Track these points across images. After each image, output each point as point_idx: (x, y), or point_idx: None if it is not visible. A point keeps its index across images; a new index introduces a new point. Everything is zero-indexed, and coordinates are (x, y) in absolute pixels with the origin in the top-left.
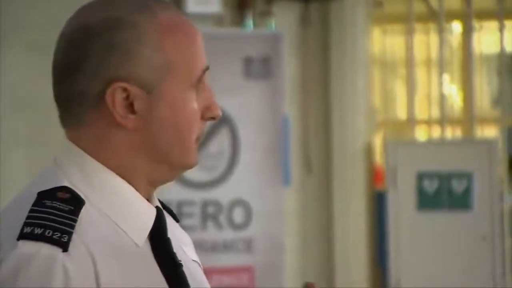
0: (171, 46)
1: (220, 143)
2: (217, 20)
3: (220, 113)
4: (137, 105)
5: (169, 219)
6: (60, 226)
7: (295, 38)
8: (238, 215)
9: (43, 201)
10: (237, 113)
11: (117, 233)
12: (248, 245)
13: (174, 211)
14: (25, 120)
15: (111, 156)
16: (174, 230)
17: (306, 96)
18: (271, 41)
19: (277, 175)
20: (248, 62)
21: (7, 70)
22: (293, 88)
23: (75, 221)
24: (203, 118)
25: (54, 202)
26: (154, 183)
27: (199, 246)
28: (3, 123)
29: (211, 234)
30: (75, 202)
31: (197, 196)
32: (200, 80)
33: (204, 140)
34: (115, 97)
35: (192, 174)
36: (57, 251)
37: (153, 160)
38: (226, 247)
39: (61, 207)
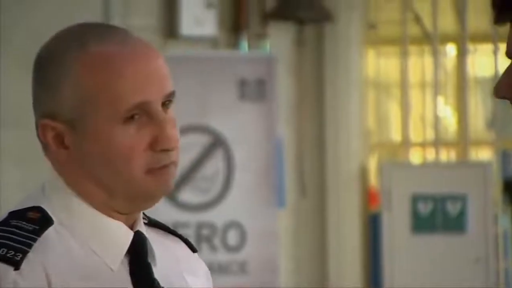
0: (94, 82)
1: (215, 165)
2: (212, 42)
3: (174, 145)
4: (66, 141)
5: (178, 247)
6: (17, 245)
7: (289, 60)
8: (232, 237)
9: (9, 221)
10: (232, 134)
11: (90, 256)
12: (243, 267)
13: None
14: (18, 138)
15: (71, 184)
16: (179, 259)
17: (300, 117)
18: (266, 63)
19: (271, 197)
20: (242, 84)
21: (2, 86)
22: (288, 109)
23: (34, 240)
24: (153, 149)
25: (19, 221)
26: (120, 212)
27: None
28: None
29: (206, 256)
30: (41, 222)
31: (192, 218)
32: (135, 113)
33: (198, 162)
34: (46, 133)
35: (186, 196)
36: (9, 269)
37: (104, 191)
38: (221, 269)
39: (24, 226)
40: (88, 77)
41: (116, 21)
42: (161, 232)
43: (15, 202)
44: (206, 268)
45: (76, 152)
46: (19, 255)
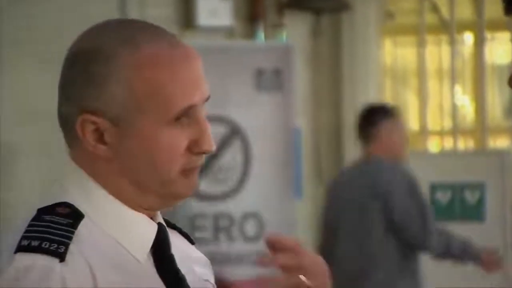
0: (145, 84)
1: (232, 155)
2: (229, 32)
3: (212, 148)
4: (106, 137)
5: (182, 241)
6: (57, 238)
7: (306, 49)
8: (250, 227)
9: (42, 216)
10: (249, 125)
11: (118, 249)
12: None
13: (187, 224)
14: (34, 132)
15: (100, 179)
16: (186, 251)
17: (317, 107)
18: (283, 53)
19: (289, 187)
20: (259, 74)
21: (17, 82)
22: (305, 99)
23: (72, 232)
24: (191, 152)
25: (52, 216)
26: (149, 209)
27: (211, 259)
28: (12, 135)
29: (223, 247)
30: (74, 216)
31: (209, 209)
32: (182, 116)
33: (216, 153)
34: (85, 128)
35: (204, 187)
36: (54, 261)
37: (137, 188)
38: (239, 259)
39: (59, 220)
40: (139, 78)
41: (132, 12)
42: None
43: (31, 198)
44: (205, 258)
45: (115, 148)
46: (62, 247)
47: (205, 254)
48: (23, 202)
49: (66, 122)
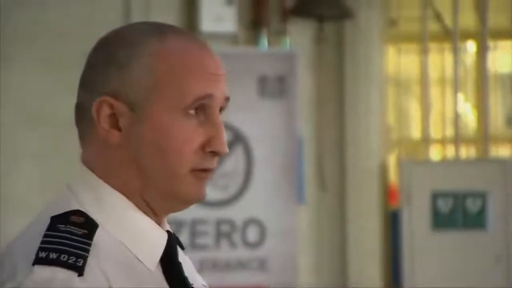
0: (167, 69)
1: (235, 161)
2: (232, 39)
3: (225, 150)
4: (121, 122)
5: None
6: (75, 251)
7: (309, 56)
8: (252, 234)
9: (57, 226)
10: (252, 131)
11: (129, 257)
12: (262, 264)
13: (188, 229)
14: (37, 135)
15: (110, 175)
16: (183, 256)
17: (320, 114)
18: (286, 60)
19: (291, 194)
20: (262, 81)
21: (20, 85)
22: (308, 106)
23: (89, 245)
24: (204, 150)
25: (68, 226)
26: (154, 210)
27: (212, 265)
28: (15, 138)
29: (225, 253)
30: (89, 226)
31: (211, 215)
32: (198, 107)
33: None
34: (101, 111)
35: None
36: (73, 275)
37: (144, 183)
38: (240, 266)
39: (75, 231)
40: (162, 63)
41: (136, 17)
42: None
43: (33, 199)
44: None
45: (128, 135)
46: (80, 260)
47: (206, 260)
48: (24, 204)
49: (82, 110)
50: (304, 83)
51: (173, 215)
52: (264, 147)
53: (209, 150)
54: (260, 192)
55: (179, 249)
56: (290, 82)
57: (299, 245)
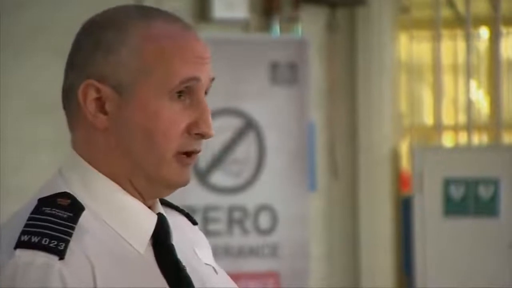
0: (152, 52)
1: (246, 148)
2: (244, 25)
3: (211, 132)
4: (108, 106)
5: (183, 222)
6: (57, 234)
7: (321, 43)
8: (264, 220)
9: (42, 208)
10: (263, 118)
11: (118, 241)
12: (274, 251)
13: (200, 216)
14: (49, 124)
15: (97, 159)
16: (187, 233)
17: (332, 101)
18: (298, 46)
19: (303, 181)
20: (274, 67)
21: (32, 74)
22: (319, 93)
23: (73, 228)
24: (189, 133)
25: (53, 209)
26: (142, 195)
27: (225, 251)
28: (28, 127)
29: (237, 239)
30: (74, 209)
31: (223, 201)
32: (184, 89)
33: (230, 146)
34: (87, 94)
35: (218, 179)
36: (53, 259)
37: (130, 167)
38: (252, 252)
39: (59, 214)
40: (150, 46)
41: (148, 3)
42: (163, 206)
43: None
44: (205, 238)
45: (114, 119)
46: (62, 244)
47: (218, 247)
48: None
49: (70, 92)
50: (316, 69)
51: (185, 201)
52: (275, 134)
53: (195, 132)
54: (272, 179)
55: (188, 225)
56: (302, 69)
57: (311, 232)
